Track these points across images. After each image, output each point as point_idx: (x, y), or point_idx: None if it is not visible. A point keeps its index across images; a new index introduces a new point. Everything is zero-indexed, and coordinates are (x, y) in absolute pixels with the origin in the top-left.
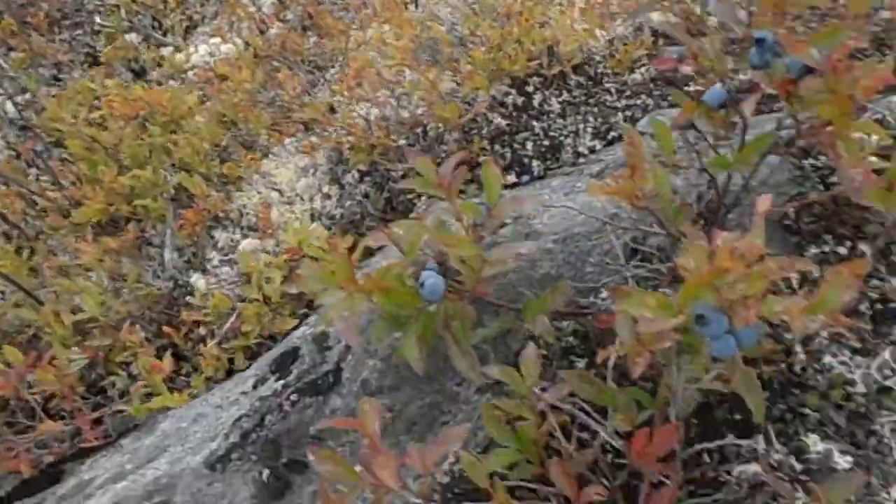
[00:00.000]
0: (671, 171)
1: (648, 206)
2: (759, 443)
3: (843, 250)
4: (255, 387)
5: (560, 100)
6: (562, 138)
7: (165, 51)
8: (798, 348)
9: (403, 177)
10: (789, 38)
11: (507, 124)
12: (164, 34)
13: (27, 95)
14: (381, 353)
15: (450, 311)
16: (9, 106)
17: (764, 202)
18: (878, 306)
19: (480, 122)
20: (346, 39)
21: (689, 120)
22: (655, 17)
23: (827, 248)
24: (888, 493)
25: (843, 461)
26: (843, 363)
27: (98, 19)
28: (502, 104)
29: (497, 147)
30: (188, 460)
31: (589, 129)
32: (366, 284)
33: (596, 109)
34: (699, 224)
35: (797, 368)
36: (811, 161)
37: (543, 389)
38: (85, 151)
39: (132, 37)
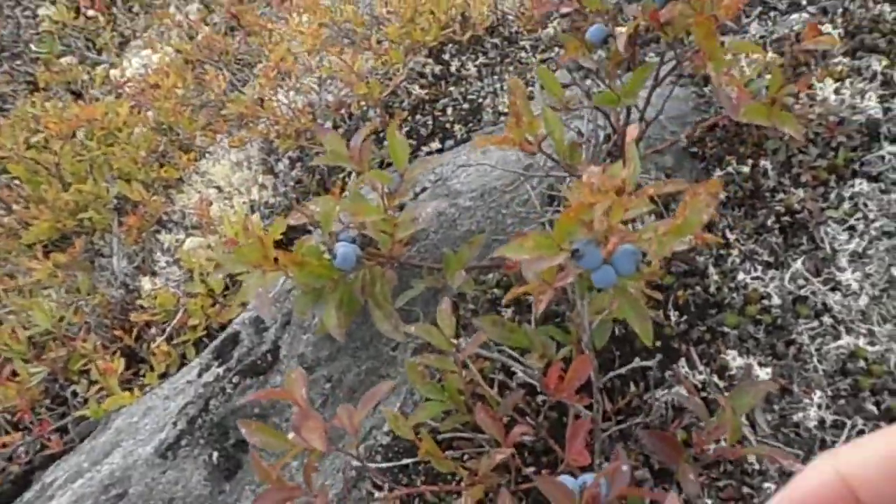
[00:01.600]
0: (571, 116)
1: (544, 151)
2: (683, 366)
3: (745, 169)
4: (199, 375)
5: (476, 63)
6: (481, 100)
7: (101, 69)
8: (711, 270)
9: None
10: None
11: (427, 94)
12: (99, 53)
13: None
14: (315, 327)
15: (369, 278)
16: None
17: (632, 131)
18: (786, 219)
19: (401, 94)
20: (268, 34)
21: (573, 60)
22: None
23: (731, 169)
24: (810, 398)
25: (763, 373)
26: (756, 279)
27: (33, 47)
28: (421, 75)
29: (419, 117)
30: (140, 451)
31: (507, 88)
32: (281, 261)
33: (512, 68)
34: (606, 162)
35: (712, 289)
36: (711, 87)
37: None
38: (29, 174)
39: (68, 59)
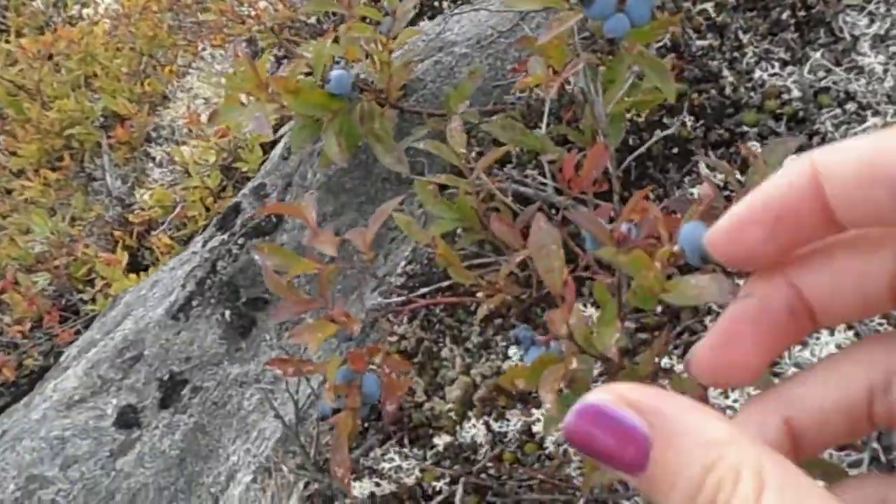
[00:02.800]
0: None
1: None
2: (703, 169)
3: None
4: (203, 245)
5: None
6: None
7: (74, 10)
8: (726, 72)
9: None
10: None
11: None
12: None
13: None
14: (318, 182)
15: (367, 110)
16: None
17: None
18: (801, 13)
19: None
20: None
21: None
22: None
23: None
24: None
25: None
26: (774, 75)
27: None
28: None
29: None
30: (151, 315)
31: None
32: (274, 88)
33: None
34: None
35: (728, 91)
36: None
37: None
38: (8, 97)
39: (38, 3)
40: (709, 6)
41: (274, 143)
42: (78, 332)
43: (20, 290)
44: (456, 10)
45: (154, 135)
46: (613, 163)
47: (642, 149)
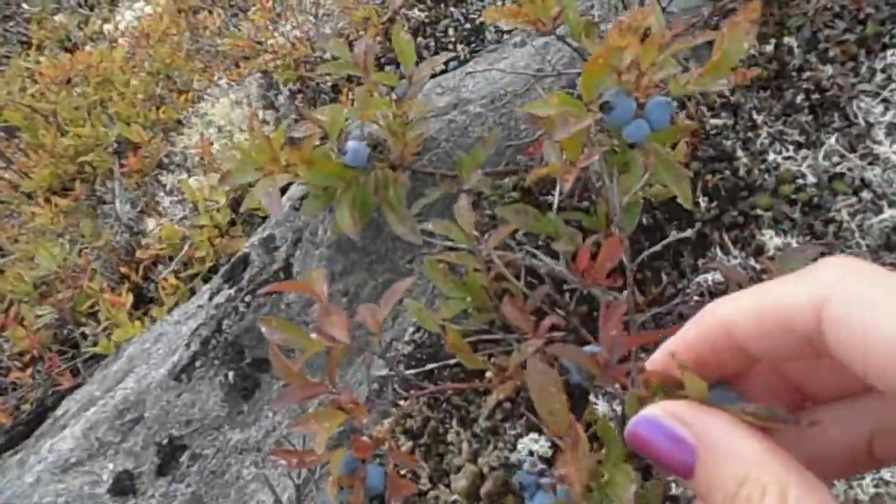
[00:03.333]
0: None
1: (556, 33)
2: (718, 253)
3: (769, 48)
4: (210, 298)
5: None
6: (482, 19)
7: (96, 25)
8: (740, 153)
9: (333, 88)
10: None
11: (427, 16)
12: (91, 8)
13: None
14: (328, 240)
15: (382, 179)
16: None
17: None
18: (815, 97)
19: (400, 19)
20: None
21: None
22: None
23: (753, 51)
24: None
25: None
26: (788, 158)
27: (26, 6)
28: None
29: (420, 39)
30: (153, 375)
31: (509, 3)
32: (290, 159)
33: None
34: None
35: (742, 172)
36: None
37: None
38: (26, 122)
39: (61, 17)
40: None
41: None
42: (76, 373)
43: (24, 323)
44: (469, 69)
45: (166, 160)
46: (628, 255)
47: (657, 247)
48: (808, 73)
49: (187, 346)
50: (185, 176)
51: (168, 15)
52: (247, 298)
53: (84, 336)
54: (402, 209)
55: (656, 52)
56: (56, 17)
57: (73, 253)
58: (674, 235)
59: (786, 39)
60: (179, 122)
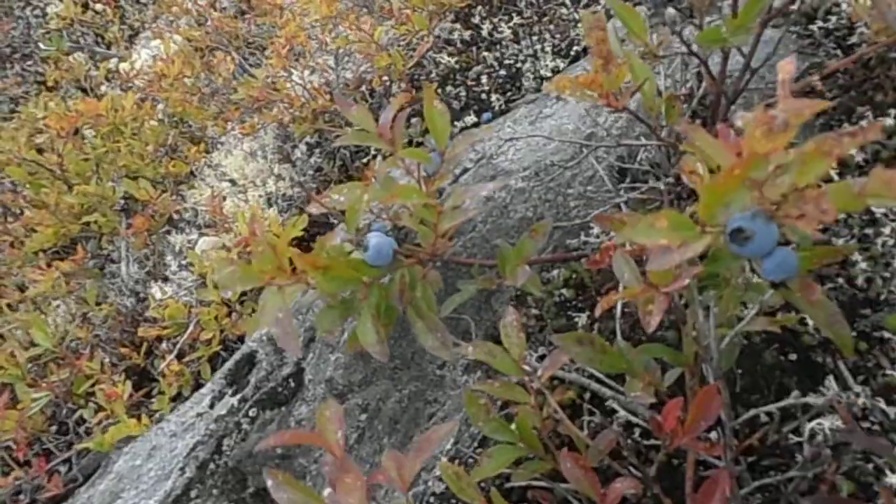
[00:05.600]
0: (649, 63)
1: (629, 108)
2: (832, 387)
3: (889, 122)
4: (211, 405)
5: (511, 24)
6: (519, 65)
7: (111, 64)
8: (857, 256)
9: None
10: None
11: (457, 62)
12: (108, 47)
13: None
14: (345, 345)
15: (408, 279)
16: None
17: (786, 67)
18: None
19: (428, 65)
20: (280, 13)
21: None
22: None
23: (864, 123)
24: None
25: None
26: None
27: (42, 45)
28: (449, 42)
29: (450, 88)
30: None
31: (548, 49)
32: (299, 266)
33: (552, 27)
34: (693, 103)
35: (861, 281)
36: (820, 24)
37: (542, 358)
38: (30, 177)
39: (77, 56)
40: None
41: (301, 247)
42: (70, 466)
43: (18, 407)
44: (508, 130)
45: (176, 216)
46: (728, 410)
47: (770, 407)
48: None
49: (182, 470)
50: (194, 235)
51: (181, 58)
52: (251, 412)
53: (81, 420)
54: (431, 316)
55: (822, 165)
56: (71, 57)
57: (73, 324)
58: (795, 397)
59: None
60: (191, 172)
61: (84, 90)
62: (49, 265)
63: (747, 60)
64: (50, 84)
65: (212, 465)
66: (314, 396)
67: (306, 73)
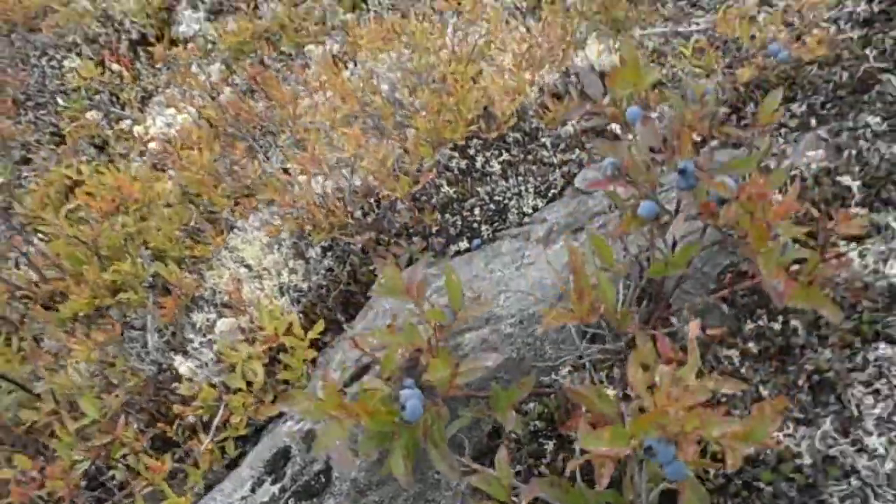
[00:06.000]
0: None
1: (603, 319)
2: None
3: (776, 326)
4: (252, 490)
5: (500, 160)
6: (506, 201)
7: (125, 124)
8: None
9: (362, 250)
10: (707, 163)
11: (455, 191)
12: (122, 108)
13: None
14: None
15: (429, 422)
16: None
17: (693, 328)
18: (815, 377)
19: (429, 189)
20: (294, 106)
21: (625, 232)
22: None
23: (762, 323)
24: None
25: None
26: (788, 436)
27: (60, 101)
28: (447, 168)
29: (447, 216)
30: None
31: (531, 189)
32: (353, 409)
33: (535, 168)
34: (643, 306)
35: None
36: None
37: (518, 474)
38: (68, 248)
39: (92, 114)
40: (734, 353)
41: (317, 346)
42: None
43: (62, 465)
44: (498, 279)
45: (196, 294)
46: None
47: None
48: (809, 354)
49: None
50: (213, 315)
51: (205, 143)
52: (290, 501)
53: (112, 477)
54: (443, 445)
55: (697, 421)
56: (87, 114)
57: (108, 395)
58: None
59: (792, 321)
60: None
61: (97, 146)
62: (87, 336)
63: (677, 282)
64: (68, 141)
65: None
66: (340, 492)
67: (321, 178)
